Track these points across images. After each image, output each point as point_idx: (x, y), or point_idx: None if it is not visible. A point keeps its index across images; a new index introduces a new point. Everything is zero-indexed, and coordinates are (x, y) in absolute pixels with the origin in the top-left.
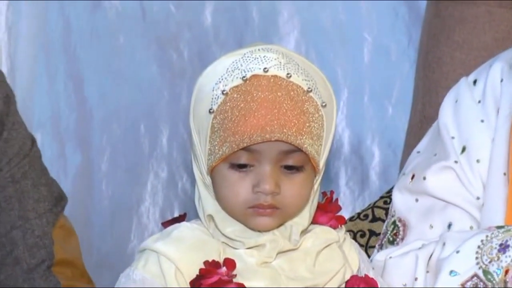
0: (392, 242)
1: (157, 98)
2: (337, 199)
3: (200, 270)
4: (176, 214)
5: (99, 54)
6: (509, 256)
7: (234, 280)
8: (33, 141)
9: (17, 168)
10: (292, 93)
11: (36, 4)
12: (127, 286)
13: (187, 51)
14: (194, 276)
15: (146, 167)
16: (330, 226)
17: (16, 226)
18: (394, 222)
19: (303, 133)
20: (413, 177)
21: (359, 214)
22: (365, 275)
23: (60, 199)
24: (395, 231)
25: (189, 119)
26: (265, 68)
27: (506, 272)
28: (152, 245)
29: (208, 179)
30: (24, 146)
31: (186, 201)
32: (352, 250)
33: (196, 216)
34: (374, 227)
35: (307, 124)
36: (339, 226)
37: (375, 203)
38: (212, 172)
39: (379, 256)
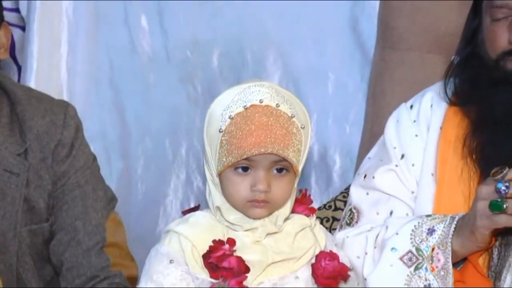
0: (349, 224)
1: (178, 120)
2: (310, 195)
3: (210, 246)
4: (192, 206)
5: (136, 88)
6: (435, 238)
7: (235, 254)
8: (94, 158)
9: (81, 177)
10: (280, 118)
11: (89, 50)
12: (156, 258)
13: (200, 86)
14: (205, 251)
15: (170, 171)
16: (305, 214)
17: (79, 218)
18: (350, 210)
19: (288, 147)
20: (365, 176)
21: (324, 205)
22: (330, 250)
23: (111, 200)
24: (351, 216)
25: (203, 136)
26: (260, 100)
27: (433, 249)
28: (175, 227)
29: (216, 180)
30: (88, 161)
31: (199, 196)
32: (321, 232)
33: (207, 207)
34: (336, 214)
35: (291, 142)
36: (311, 214)
37: (336, 197)
38: (220, 175)
39: (339, 235)
